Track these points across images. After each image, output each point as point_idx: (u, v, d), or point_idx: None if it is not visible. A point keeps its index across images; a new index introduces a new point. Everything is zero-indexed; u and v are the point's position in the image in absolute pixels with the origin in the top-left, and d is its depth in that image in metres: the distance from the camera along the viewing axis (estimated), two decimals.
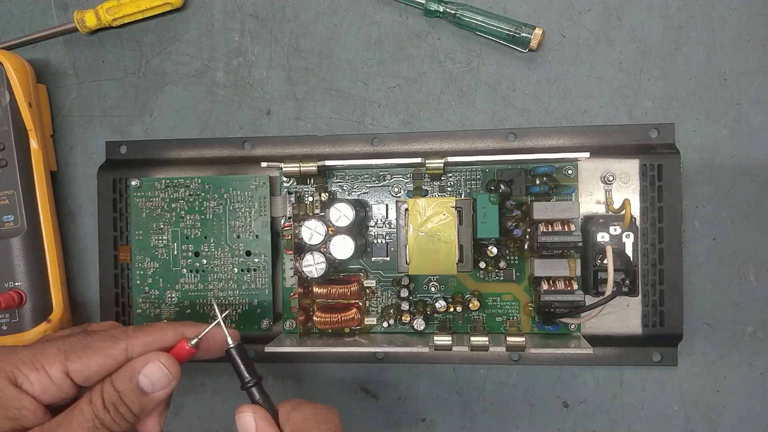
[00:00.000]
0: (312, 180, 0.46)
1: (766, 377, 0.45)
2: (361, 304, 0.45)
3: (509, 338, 0.41)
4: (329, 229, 0.43)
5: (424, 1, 0.46)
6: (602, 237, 0.41)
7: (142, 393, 0.33)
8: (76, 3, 0.51)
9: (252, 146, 0.48)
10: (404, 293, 0.45)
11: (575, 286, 0.42)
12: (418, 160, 0.42)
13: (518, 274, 0.44)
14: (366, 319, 0.45)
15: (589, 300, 0.41)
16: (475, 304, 0.44)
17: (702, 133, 0.45)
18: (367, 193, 0.46)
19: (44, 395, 0.32)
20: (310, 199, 0.46)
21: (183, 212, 0.47)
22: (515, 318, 0.45)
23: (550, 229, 0.41)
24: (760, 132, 0.45)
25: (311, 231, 0.42)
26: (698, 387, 0.45)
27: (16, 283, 0.46)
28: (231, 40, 0.49)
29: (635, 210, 0.44)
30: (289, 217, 0.45)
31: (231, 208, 0.46)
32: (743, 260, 0.45)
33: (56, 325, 0.47)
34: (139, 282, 0.47)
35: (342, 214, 0.42)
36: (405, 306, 0.45)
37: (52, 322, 0.46)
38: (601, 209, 0.44)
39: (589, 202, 0.44)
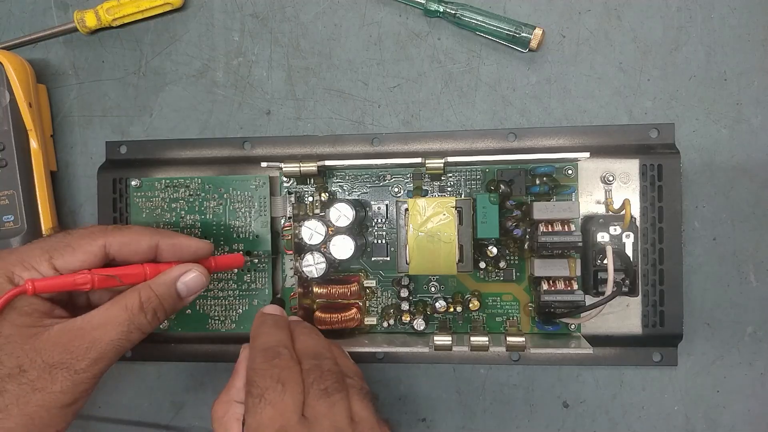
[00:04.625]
0: (312, 180, 0.46)
1: (766, 377, 0.45)
2: (361, 304, 0.45)
3: (509, 338, 0.41)
4: (329, 229, 0.43)
5: (424, 1, 0.46)
6: (602, 237, 0.41)
7: (178, 298, 0.37)
8: (76, 3, 0.51)
9: (252, 146, 0.48)
10: (404, 293, 0.45)
11: (575, 286, 0.42)
12: (418, 160, 0.42)
13: (518, 274, 0.44)
14: (366, 319, 0.45)
15: (589, 300, 0.41)
16: (475, 304, 0.44)
17: (702, 133, 0.45)
18: (367, 193, 0.46)
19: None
20: (310, 199, 0.46)
21: (183, 212, 0.47)
22: (515, 318, 0.45)
23: (550, 229, 0.41)
24: (760, 132, 0.45)
25: (311, 231, 0.42)
26: (698, 387, 0.45)
27: None
28: (231, 40, 0.49)
29: (635, 210, 0.44)
30: (289, 217, 0.45)
31: (231, 208, 0.46)
32: (743, 260, 0.45)
33: None
34: None
35: (342, 214, 0.42)
36: (405, 306, 0.45)
37: None
38: (601, 209, 0.44)
39: (589, 202, 0.44)
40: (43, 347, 0.32)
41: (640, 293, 0.43)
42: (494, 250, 0.43)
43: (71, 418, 0.34)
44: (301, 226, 0.43)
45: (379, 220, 0.46)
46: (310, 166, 0.43)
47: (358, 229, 0.45)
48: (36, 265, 0.34)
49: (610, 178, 0.44)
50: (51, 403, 0.32)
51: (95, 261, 0.35)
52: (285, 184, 0.46)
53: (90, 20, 0.48)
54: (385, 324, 0.45)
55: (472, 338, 0.42)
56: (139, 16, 0.48)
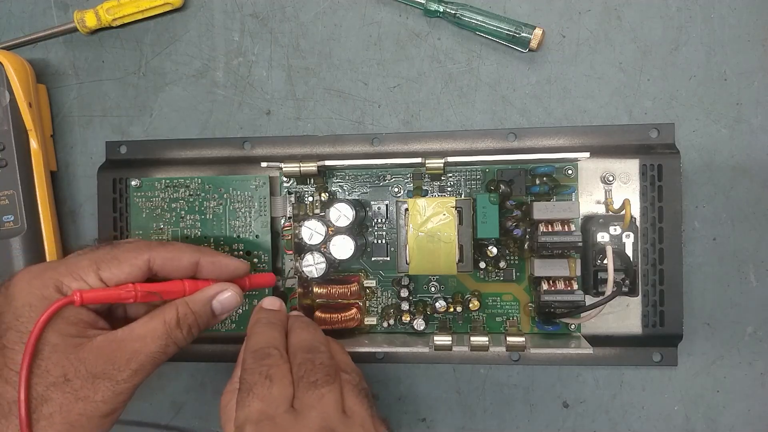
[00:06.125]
0: (312, 180, 0.46)
1: (766, 377, 0.45)
2: (361, 304, 0.45)
3: (509, 338, 0.41)
4: (329, 229, 0.43)
5: (424, 1, 0.46)
6: (602, 237, 0.41)
7: (213, 315, 0.38)
8: (76, 3, 0.51)
9: (252, 146, 0.48)
10: (404, 293, 0.45)
11: (575, 286, 0.42)
12: (418, 160, 0.42)
13: (518, 274, 0.44)
14: (366, 319, 0.45)
15: (589, 300, 0.41)
16: (475, 304, 0.44)
17: (702, 133, 0.45)
18: (367, 193, 0.46)
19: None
20: (310, 199, 0.46)
21: (183, 212, 0.47)
22: (515, 318, 0.45)
23: (550, 229, 0.41)
24: (760, 132, 0.45)
25: (311, 231, 0.42)
26: (698, 387, 0.45)
27: None
28: (231, 40, 0.49)
29: (635, 210, 0.44)
30: (289, 217, 0.45)
31: (231, 208, 0.46)
32: (743, 260, 0.45)
33: None
34: None
35: (342, 214, 0.42)
36: (405, 306, 0.45)
37: None
38: (601, 209, 0.44)
39: (589, 202, 0.44)
40: (87, 357, 0.33)
41: (640, 293, 0.43)
42: (494, 250, 0.43)
43: (109, 428, 0.35)
44: (301, 226, 0.43)
45: (379, 220, 0.46)
46: (310, 166, 0.43)
47: (358, 229, 0.45)
48: (84, 275, 0.34)
49: (610, 178, 0.44)
50: (92, 412, 0.33)
51: (139, 274, 0.36)
52: (285, 184, 0.46)
53: (90, 20, 0.48)
54: (385, 324, 0.45)
55: (472, 338, 0.42)
56: (139, 16, 0.48)
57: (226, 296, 0.38)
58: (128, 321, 0.36)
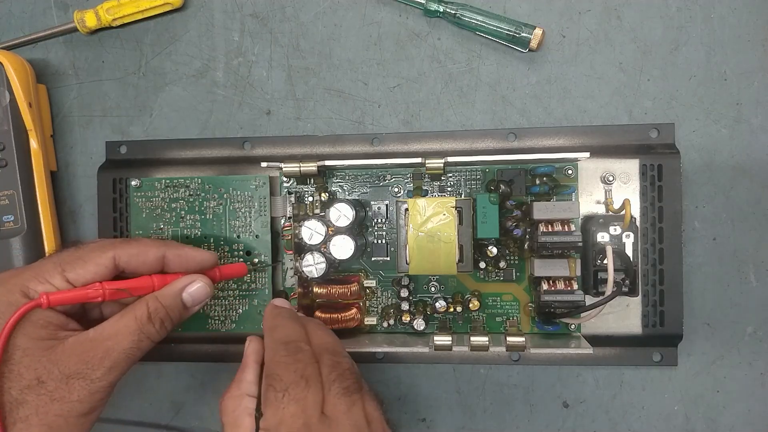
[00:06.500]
0: (312, 180, 0.46)
1: (766, 377, 0.45)
2: (361, 304, 0.45)
3: (509, 338, 0.41)
4: (329, 229, 0.43)
5: (424, 1, 0.46)
6: (602, 237, 0.41)
7: (184, 307, 0.38)
8: (76, 3, 0.51)
9: (252, 146, 0.48)
10: (404, 293, 0.45)
11: (575, 286, 0.42)
12: (418, 160, 0.42)
13: (518, 274, 0.44)
14: (366, 319, 0.45)
15: (589, 300, 0.41)
16: (475, 304, 0.44)
17: (702, 133, 0.45)
18: (367, 193, 0.46)
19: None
20: (310, 199, 0.46)
21: (183, 212, 0.47)
22: (515, 318, 0.45)
23: (550, 229, 0.41)
24: (760, 132, 0.45)
25: (311, 231, 0.42)
26: (698, 387, 0.45)
27: None
28: (231, 40, 0.49)
29: (635, 210, 0.44)
30: (289, 217, 0.45)
31: (231, 208, 0.46)
32: (743, 260, 0.45)
33: None
34: None
35: (342, 214, 0.42)
36: (405, 306, 0.45)
37: None
38: (601, 209, 0.44)
39: (589, 202, 0.44)
40: (59, 359, 0.33)
41: (640, 293, 0.43)
42: (494, 250, 0.43)
43: (89, 427, 0.35)
44: (301, 226, 0.43)
45: (379, 220, 0.46)
46: (310, 166, 0.43)
47: (358, 229, 0.45)
48: (49, 278, 0.34)
49: (610, 178, 0.44)
50: (69, 412, 0.33)
51: (106, 273, 0.36)
52: (285, 184, 0.46)
53: (90, 20, 0.48)
54: (385, 324, 0.45)
55: (472, 338, 0.42)
56: (139, 16, 0.48)
57: (196, 287, 0.38)
58: None
